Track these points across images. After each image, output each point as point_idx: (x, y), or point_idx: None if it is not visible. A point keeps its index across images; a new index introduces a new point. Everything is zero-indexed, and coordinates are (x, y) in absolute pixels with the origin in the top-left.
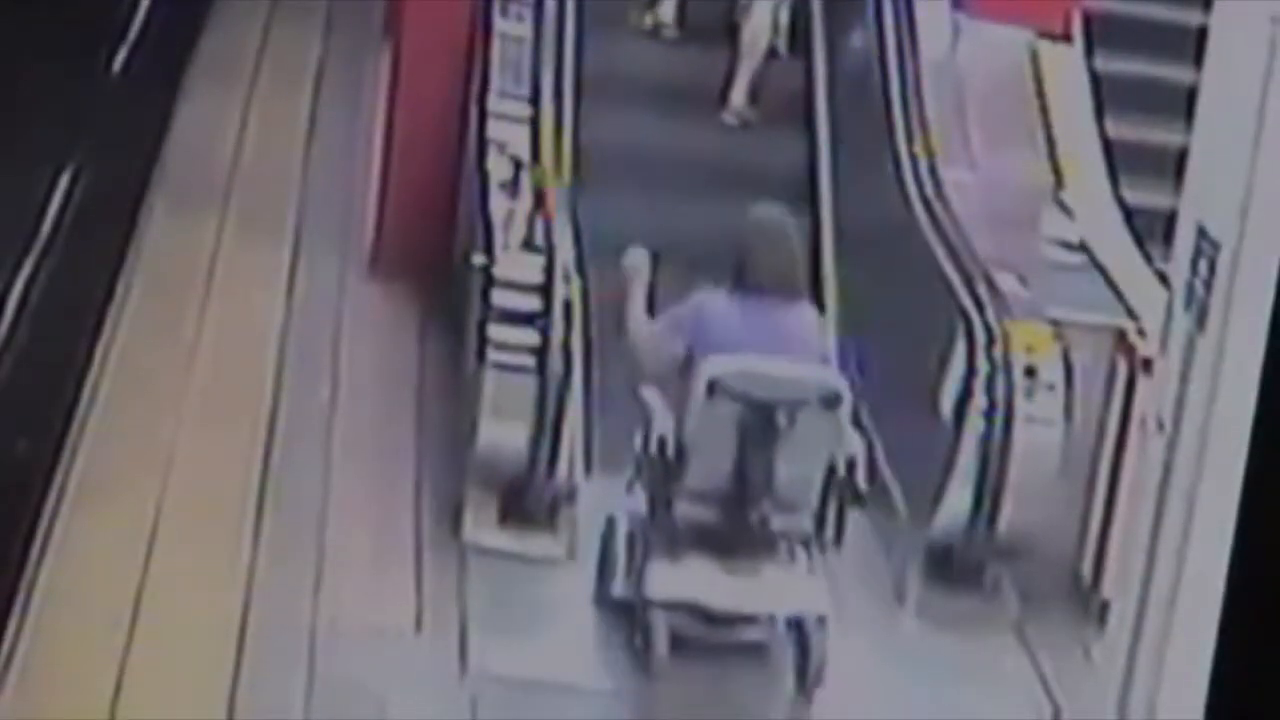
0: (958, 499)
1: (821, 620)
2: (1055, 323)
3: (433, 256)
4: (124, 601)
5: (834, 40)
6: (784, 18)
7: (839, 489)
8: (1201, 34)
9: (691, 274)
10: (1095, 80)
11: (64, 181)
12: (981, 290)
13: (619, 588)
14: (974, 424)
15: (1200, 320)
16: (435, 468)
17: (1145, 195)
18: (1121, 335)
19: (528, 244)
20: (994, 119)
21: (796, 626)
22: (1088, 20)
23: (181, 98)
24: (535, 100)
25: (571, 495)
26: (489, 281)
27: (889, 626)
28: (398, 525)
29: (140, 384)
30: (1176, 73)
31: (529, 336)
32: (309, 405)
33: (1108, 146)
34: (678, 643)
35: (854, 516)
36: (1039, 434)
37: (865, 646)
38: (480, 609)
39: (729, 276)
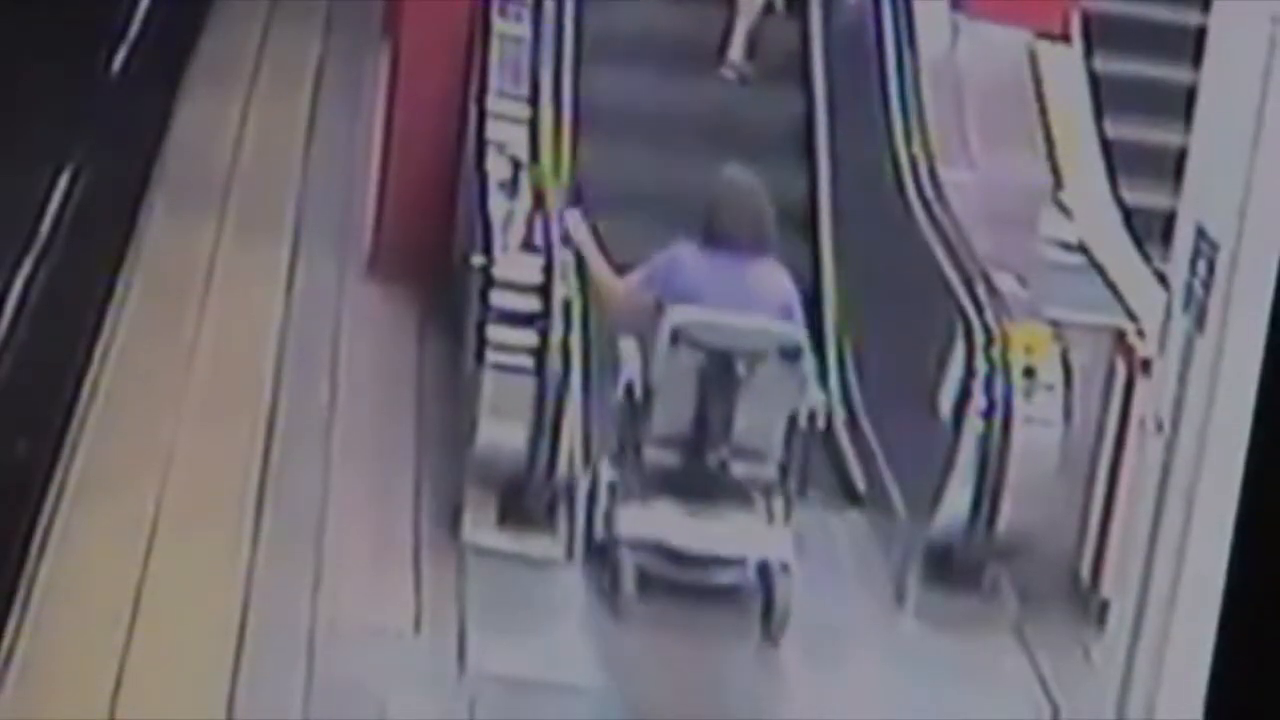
0: (957, 499)
1: (785, 567)
2: (1054, 323)
3: (431, 257)
4: (123, 601)
5: None
6: None
7: (801, 440)
8: (1200, 34)
9: (688, 226)
10: (1094, 80)
11: (63, 181)
12: (980, 291)
13: (599, 534)
14: (973, 424)
15: (1199, 321)
16: (434, 468)
17: (1144, 196)
18: (1120, 336)
19: (527, 244)
20: (993, 119)
21: (761, 572)
22: (1086, 21)
23: (181, 97)
24: (534, 100)
25: (570, 495)
26: (488, 282)
27: (888, 627)
28: (397, 525)
29: (140, 383)
30: (1175, 73)
31: (528, 337)
32: (308, 405)
33: (1106, 147)
34: (649, 583)
35: (853, 517)
36: (1038, 434)
37: (864, 647)
38: (479, 609)
39: (699, 231)
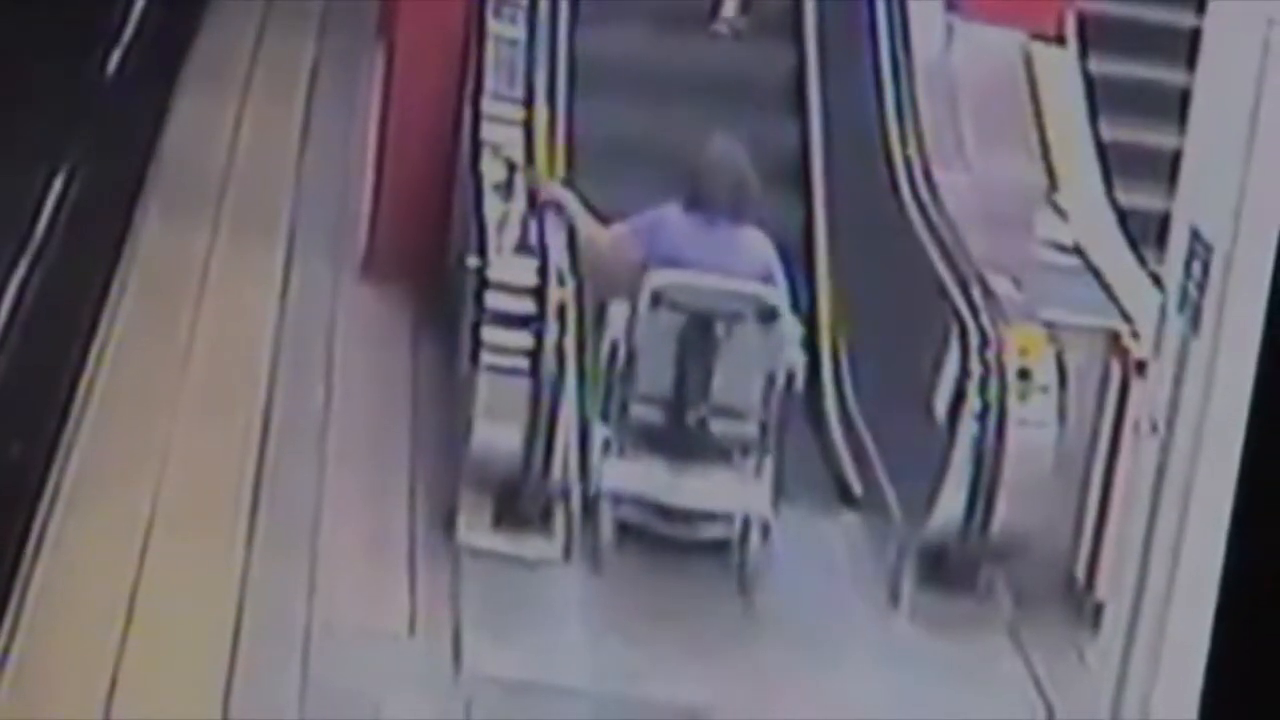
0: (952, 501)
1: (763, 522)
2: (1049, 325)
3: (426, 259)
4: (118, 603)
5: None
6: None
7: (779, 399)
8: (1195, 36)
9: (678, 181)
10: (1089, 82)
11: (58, 182)
12: (975, 292)
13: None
14: (968, 426)
15: (1194, 322)
16: (429, 470)
17: (1139, 197)
18: (1115, 337)
19: (522, 246)
20: (988, 121)
21: (740, 528)
22: (1081, 22)
23: (176, 99)
24: (529, 102)
25: (566, 497)
26: (483, 284)
27: (883, 628)
28: (392, 527)
29: (135, 385)
30: (1170, 75)
31: (523, 339)
32: (303, 407)
33: (1102, 149)
34: (635, 535)
35: (848, 518)
36: (1033, 436)
37: (859, 648)
38: (474, 611)
39: (685, 195)
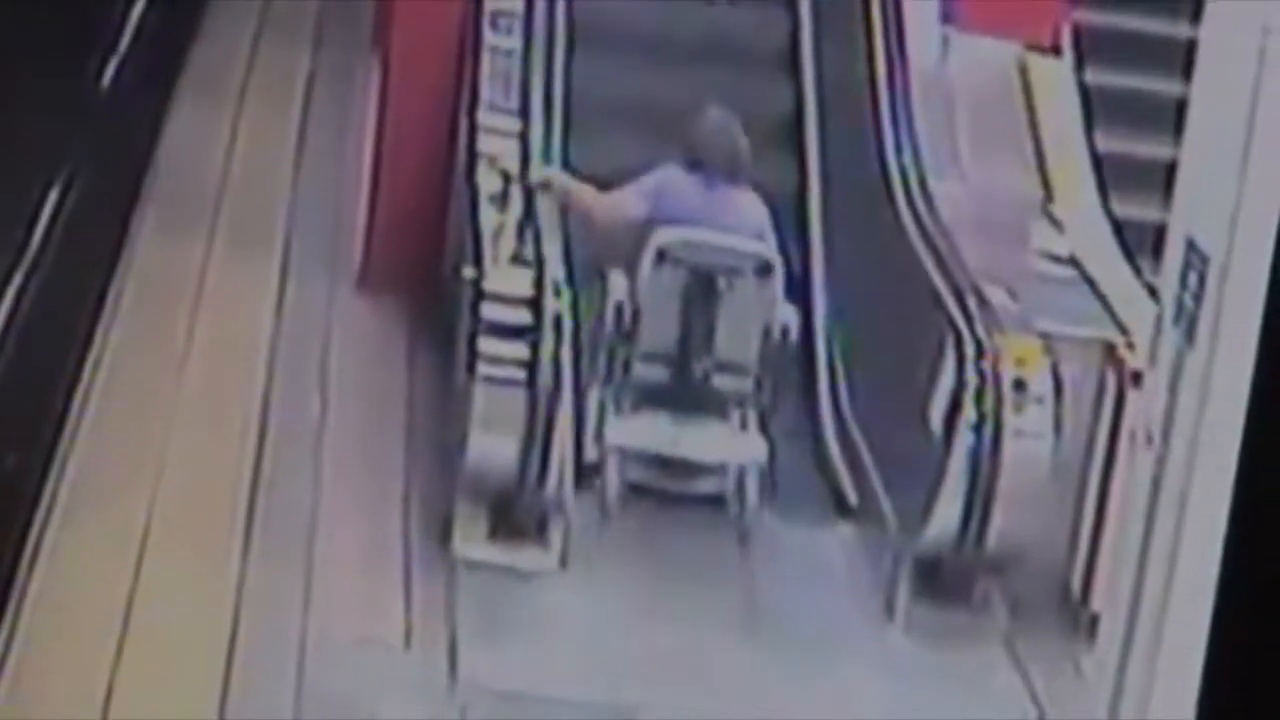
0: (947, 512)
1: (759, 469)
2: (1045, 336)
3: (422, 270)
4: (114, 613)
5: None
6: None
7: (774, 352)
8: (1191, 47)
9: (673, 144)
10: (1085, 93)
11: (54, 192)
12: (971, 303)
13: (590, 450)
14: (963, 437)
15: (1190, 334)
16: (425, 481)
17: (1135, 208)
18: (1111, 348)
19: (517, 257)
20: (983, 132)
21: (737, 477)
22: (1077, 33)
23: (172, 110)
24: (525, 113)
25: (561, 508)
26: (479, 295)
27: (878, 639)
28: (387, 538)
29: (130, 396)
30: (1166, 85)
31: (519, 350)
32: (298, 418)
33: (1097, 159)
34: (639, 490)
35: (843, 529)
36: (1028, 447)
37: (855, 659)
38: (470, 622)
39: (681, 159)
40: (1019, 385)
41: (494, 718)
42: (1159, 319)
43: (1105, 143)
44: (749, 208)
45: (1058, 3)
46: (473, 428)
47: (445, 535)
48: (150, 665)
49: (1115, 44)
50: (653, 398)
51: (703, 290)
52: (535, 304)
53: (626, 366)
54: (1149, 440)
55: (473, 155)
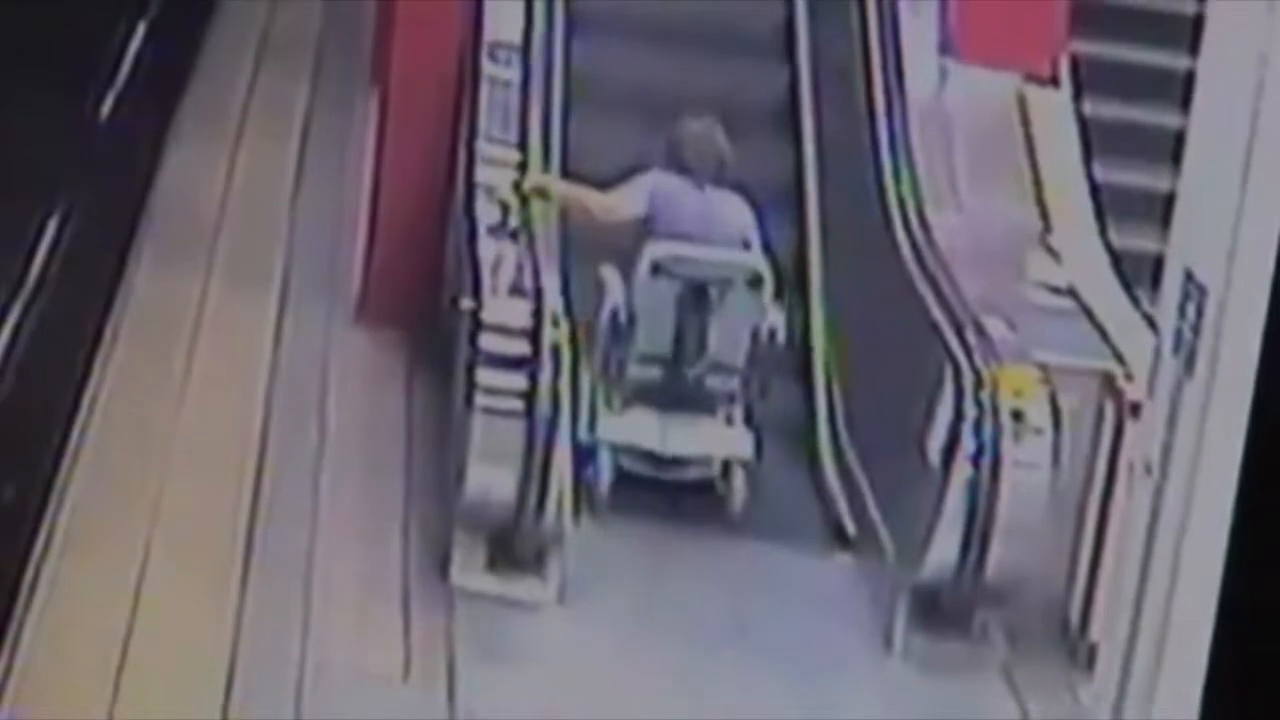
0: (946, 543)
1: (745, 463)
2: (1043, 367)
3: (420, 302)
4: (113, 643)
5: None
6: None
7: (762, 353)
8: (1188, 78)
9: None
10: (1082, 124)
11: (52, 225)
12: (969, 334)
13: (584, 434)
14: (962, 468)
15: (1188, 364)
16: (423, 512)
17: (1133, 239)
18: (1109, 379)
19: (515, 288)
20: (982, 163)
21: (725, 469)
22: (1075, 64)
23: (170, 143)
24: (523, 144)
25: (559, 539)
26: (477, 326)
27: (877, 670)
28: (386, 569)
29: (128, 430)
30: (1163, 117)
31: (517, 381)
32: (296, 451)
33: (1095, 190)
34: (631, 480)
35: (842, 560)
36: (1027, 478)
37: (854, 690)
38: (468, 653)
39: (667, 165)
40: (1017, 416)
41: None
42: (1157, 350)
43: (1103, 174)
44: (734, 212)
45: (1056, 34)
46: (471, 459)
47: (444, 566)
48: (149, 696)
49: (1113, 75)
50: (645, 396)
51: (695, 300)
52: (534, 335)
53: (621, 367)
54: (1147, 470)
55: (471, 186)
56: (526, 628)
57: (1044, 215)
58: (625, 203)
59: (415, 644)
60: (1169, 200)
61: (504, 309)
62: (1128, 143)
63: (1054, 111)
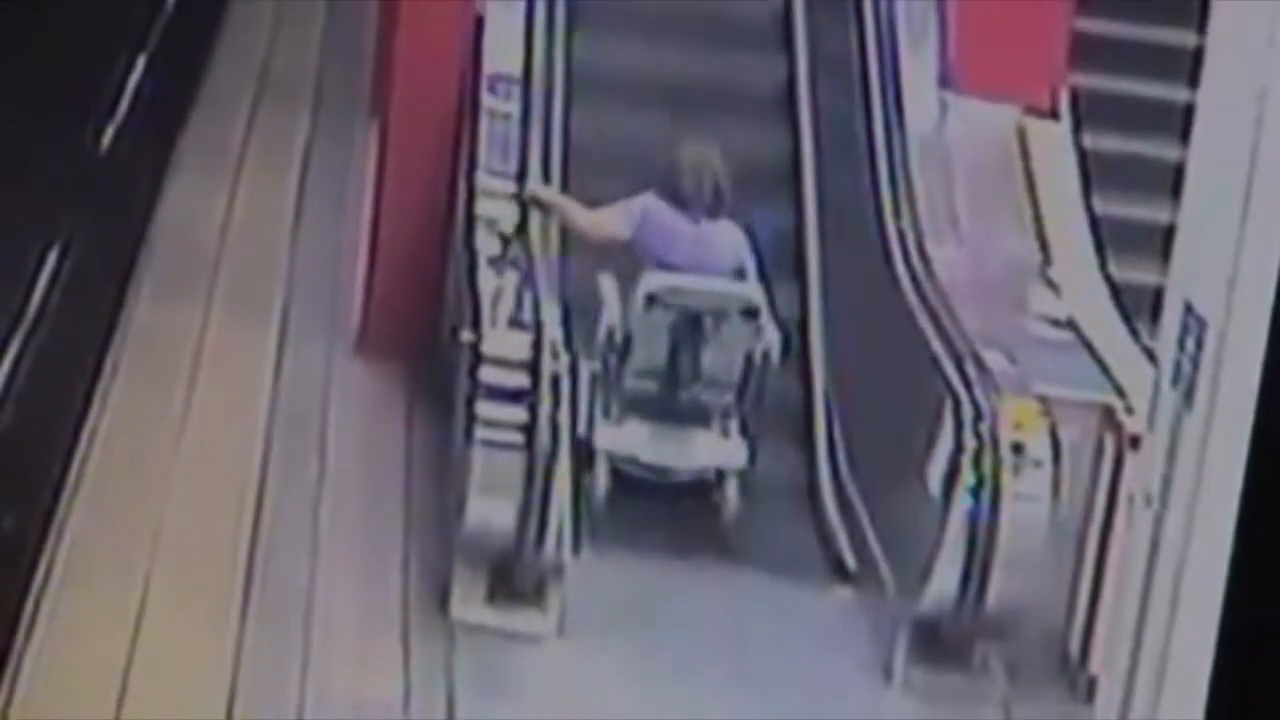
0: (946, 576)
1: (739, 473)
2: (1043, 399)
3: (421, 334)
4: (112, 679)
5: None
6: None
7: (756, 370)
8: (1188, 110)
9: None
10: (1082, 157)
11: (52, 257)
12: (969, 367)
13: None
14: (962, 500)
15: (1188, 397)
16: (423, 545)
17: (1132, 272)
18: (1109, 412)
19: (515, 321)
20: (981, 196)
21: (718, 478)
22: (1075, 97)
23: (170, 175)
24: (523, 177)
25: (559, 572)
26: (477, 358)
27: (877, 703)
28: (385, 602)
29: (128, 462)
30: (1163, 149)
31: (517, 414)
32: (297, 482)
33: (1095, 223)
34: (628, 483)
35: (842, 593)
36: (1027, 511)
37: None
38: (468, 685)
39: (662, 191)
40: (1017, 449)
41: None
42: (1157, 382)
43: (1103, 206)
44: (730, 242)
45: (1056, 67)
46: (471, 491)
47: (443, 598)
48: None
49: (1113, 108)
50: (640, 408)
51: (690, 328)
52: (533, 367)
53: (618, 377)
54: (1147, 503)
55: (471, 218)
56: (526, 660)
57: (1044, 248)
58: (612, 222)
59: (415, 675)
60: (1169, 233)
61: (504, 341)
62: (1128, 175)
63: (1054, 144)
